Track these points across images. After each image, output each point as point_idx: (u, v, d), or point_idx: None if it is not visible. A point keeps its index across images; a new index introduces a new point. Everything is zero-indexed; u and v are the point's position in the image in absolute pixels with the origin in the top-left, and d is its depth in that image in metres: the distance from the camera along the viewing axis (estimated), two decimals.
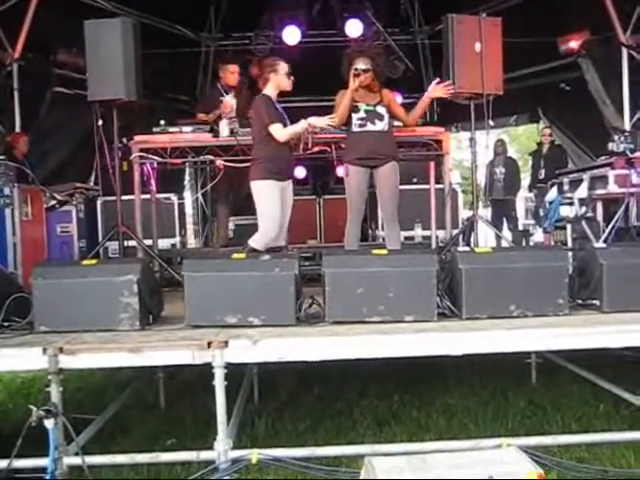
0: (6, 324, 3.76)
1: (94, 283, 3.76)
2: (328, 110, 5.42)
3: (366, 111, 5.30)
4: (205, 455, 3.32)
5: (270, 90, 5.26)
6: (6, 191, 6.20)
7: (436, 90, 5.61)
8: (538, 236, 9.07)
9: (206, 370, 3.31)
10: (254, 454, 3.24)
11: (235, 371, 3.48)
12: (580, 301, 4.07)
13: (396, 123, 5.65)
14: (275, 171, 5.17)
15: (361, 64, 5.27)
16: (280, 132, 5.13)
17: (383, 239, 6.06)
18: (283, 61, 5.33)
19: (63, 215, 7.59)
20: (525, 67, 9.78)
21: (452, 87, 5.69)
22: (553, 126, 10.74)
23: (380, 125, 5.31)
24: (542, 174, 9.82)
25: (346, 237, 5.37)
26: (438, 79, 5.73)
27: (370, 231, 8.73)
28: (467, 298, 3.77)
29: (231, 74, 6.83)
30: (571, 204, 6.50)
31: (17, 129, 7.98)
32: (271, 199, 5.14)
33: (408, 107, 5.79)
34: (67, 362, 3.31)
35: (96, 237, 8.06)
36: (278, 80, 5.26)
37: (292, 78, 5.26)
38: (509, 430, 4.17)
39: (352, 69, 5.24)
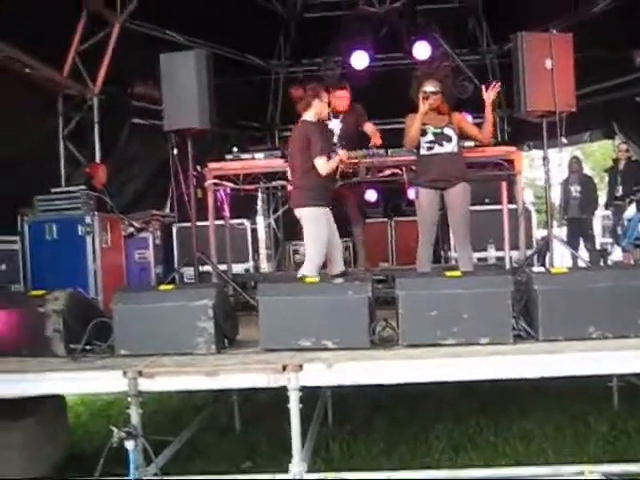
0: (88, 348, 3.90)
1: (171, 308, 3.86)
2: (397, 133, 5.44)
3: (434, 134, 5.29)
4: (281, 477, 3.34)
5: (311, 116, 5.33)
6: (87, 219, 6.46)
7: (489, 95, 5.50)
8: (617, 255, 8.80)
9: (280, 393, 3.34)
10: (329, 477, 3.24)
11: (309, 394, 3.49)
12: None
13: (466, 144, 5.62)
14: (321, 198, 5.23)
15: (430, 87, 5.27)
16: (323, 166, 5.18)
17: (455, 260, 6.01)
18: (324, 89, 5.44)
19: (140, 242, 7.81)
20: (598, 82, 9.54)
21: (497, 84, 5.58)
22: (629, 141, 10.42)
23: (449, 147, 5.29)
24: (619, 191, 9.54)
25: (418, 259, 5.35)
26: (483, 86, 5.62)
27: (442, 252, 8.65)
28: (543, 320, 3.69)
29: (339, 99, 6.68)
30: None
31: (97, 160, 8.30)
32: (321, 225, 5.19)
33: (477, 128, 5.74)
34: (146, 385, 3.40)
35: (172, 263, 8.26)
36: (321, 107, 5.35)
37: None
38: (590, 456, 4.02)
39: (421, 92, 5.25)
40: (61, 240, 6.49)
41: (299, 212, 5.30)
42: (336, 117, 6.69)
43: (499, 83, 5.60)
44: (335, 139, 6.65)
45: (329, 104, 6.64)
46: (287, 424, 3.33)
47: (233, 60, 10.33)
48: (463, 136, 5.47)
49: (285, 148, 5.71)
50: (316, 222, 5.23)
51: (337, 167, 5.47)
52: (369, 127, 6.59)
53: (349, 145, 6.34)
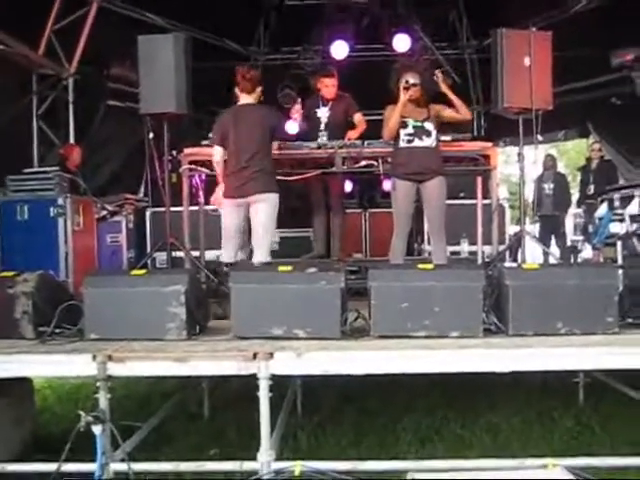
0: (57, 331, 3.86)
1: (143, 293, 3.84)
2: (375, 124, 5.44)
3: (414, 127, 5.31)
4: (248, 466, 3.34)
5: (254, 99, 5.39)
6: (59, 201, 6.38)
7: (441, 81, 5.52)
8: (587, 253, 8.91)
9: (250, 381, 3.34)
10: (297, 466, 3.25)
11: (279, 383, 3.50)
12: (631, 320, 3.98)
13: (443, 138, 5.65)
14: None
15: (411, 78, 5.28)
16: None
17: (429, 253, 6.04)
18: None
19: (113, 225, 7.75)
20: (575, 81, 9.63)
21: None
22: (603, 141, 10.55)
23: (428, 141, 5.31)
24: (591, 190, 9.64)
25: (392, 251, 5.38)
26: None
27: (416, 245, 8.69)
28: (514, 314, 3.73)
29: (326, 87, 6.69)
30: (622, 220, 6.37)
31: (71, 141, 8.19)
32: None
33: (455, 123, 5.77)
34: (115, 370, 3.38)
35: (144, 247, 8.20)
36: (260, 95, 5.45)
37: None
38: (555, 450, 4.08)
39: (402, 82, 5.25)
40: (32, 221, 6.41)
41: (265, 196, 5.25)
42: (325, 105, 6.68)
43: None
44: (322, 127, 6.64)
45: (318, 90, 6.68)
46: (256, 412, 3.33)
47: (212, 45, 10.23)
48: (448, 125, 5.49)
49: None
50: (276, 207, 5.29)
51: None
52: (356, 118, 6.60)
53: (335, 134, 6.34)
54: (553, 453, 3.88)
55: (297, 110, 6.66)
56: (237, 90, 5.41)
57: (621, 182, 9.10)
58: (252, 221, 5.35)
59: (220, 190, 5.40)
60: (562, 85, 8.43)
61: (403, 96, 5.24)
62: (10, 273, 4.09)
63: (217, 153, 5.35)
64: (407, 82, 5.25)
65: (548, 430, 4.53)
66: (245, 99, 5.40)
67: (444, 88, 5.48)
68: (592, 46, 8.79)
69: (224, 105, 11.26)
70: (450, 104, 5.48)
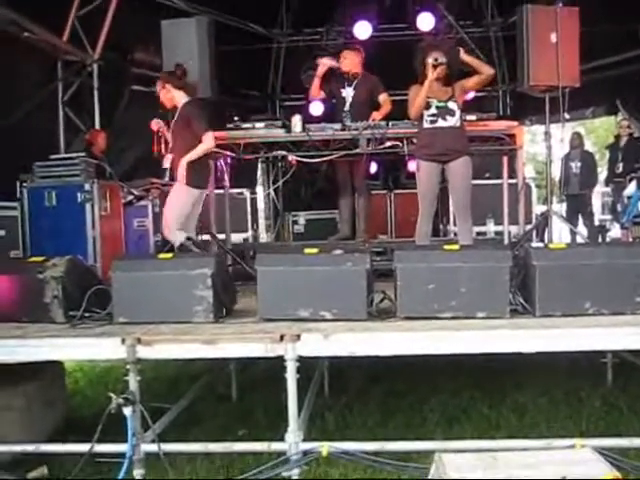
0: (87, 315, 3.91)
1: (170, 276, 3.86)
2: (399, 104, 5.41)
3: (437, 107, 5.26)
4: (276, 446, 3.37)
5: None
6: (86, 187, 6.43)
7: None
8: (615, 232, 8.81)
9: (278, 363, 3.36)
10: (324, 447, 3.27)
11: (306, 364, 3.52)
12: None
13: (468, 117, 5.60)
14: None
15: (438, 56, 5.22)
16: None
17: (455, 234, 6.01)
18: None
19: (140, 210, 7.79)
20: (603, 57, 9.45)
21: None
22: (632, 118, 10.37)
23: (452, 121, 5.26)
24: (620, 168, 9.50)
25: (417, 232, 5.36)
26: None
27: (441, 226, 8.66)
28: (540, 295, 3.69)
29: (344, 59, 6.67)
30: None
31: (96, 126, 8.25)
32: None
33: (479, 100, 5.71)
34: (144, 352, 3.41)
35: None
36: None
37: None
38: (582, 431, 4.08)
39: (432, 60, 5.19)
40: (60, 207, 6.47)
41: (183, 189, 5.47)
42: (350, 85, 6.65)
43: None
44: (346, 107, 6.62)
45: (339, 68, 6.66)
46: (284, 394, 3.36)
47: (235, 28, 10.22)
48: (472, 104, 5.44)
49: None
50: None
51: None
52: (382, 98, 6.56)
53: (359, 115, 6.32)
54: (581, 433, 3.88)
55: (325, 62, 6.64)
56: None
57: None
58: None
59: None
60: (589, 62, 8.27)
61: (431, 74, 5.18)
62: (39, 258, 4.14)
63: (212, 138, 5.45)
64: (436, 60, 5.18)
65: (576, 410, 4.51)
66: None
67: (463, 55, 5.40)
68: (620, 21, 8.61)
69: (250, 88, 11.34)
70: (472, 73, 5.40)
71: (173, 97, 5.53)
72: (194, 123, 5.37)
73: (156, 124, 5.77)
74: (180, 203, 5.51)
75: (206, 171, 5.67)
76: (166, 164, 5.92)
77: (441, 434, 4.10)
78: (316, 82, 6.67)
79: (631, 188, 6.93)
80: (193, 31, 5.83)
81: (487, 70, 5.44)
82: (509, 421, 4.37)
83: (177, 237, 5.45)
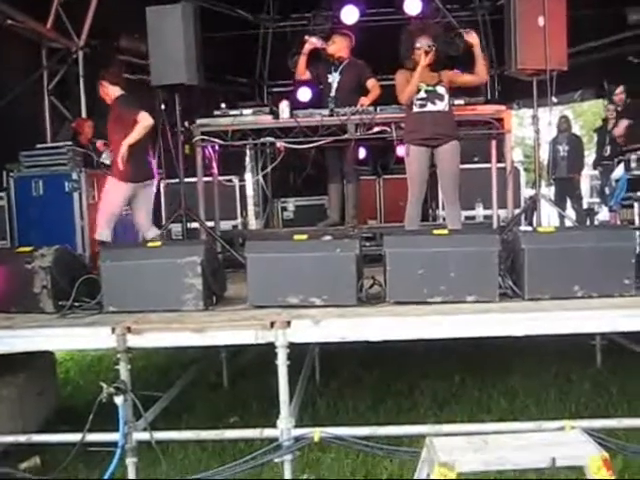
0: (77, 304, 3.90)
1: (159, 264, 3.85)
2: (387, 89, 5.39)
3: (426, 91, 5.24)
4: (268, 433, 3.38)
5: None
6: (74, 176, 6.42)
7: (473, 36, 5.43)
8: (603, 215, 8.85)
9: (269, 350, 3.37)
10: (316, 432, 3.29)
11: (297, 351, 3.53)
12: None
13: (456, 102, 5.59)
14: None
15: (428, 41, 5.19)
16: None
17: (444, 219, 6.01)
18: None
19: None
20: (591, 40, 9.46)
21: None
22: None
23: (440, 105, 5.25)
24: (607, 151, 9.53)
25: (407, 217, 5.35)
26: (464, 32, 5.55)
27: (431, 211, 8.66)
28: (529, 279, 3.71)
29: (333, 44, 6.65)
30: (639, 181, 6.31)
31: (83, 115, 8.19)
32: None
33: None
34: (134, 341, 3.41)
35: (160, 219, 8.22)
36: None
37: None
38: (572, 412, 4.12)
39: (423, 45, 5.16)
40: (48, 196, 6.45)
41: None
42: (336, 70, 6.62)
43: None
44: (332, 93, 6.59)
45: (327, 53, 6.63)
46: (275, 380, 3.36)
47: (222, 14, 10.15)
48: (460, 89, 5.43)
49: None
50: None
51: None
52: (370, 84, 6.52)
53: (345, 100, 6.29)
54: (570, 415, 3.92)
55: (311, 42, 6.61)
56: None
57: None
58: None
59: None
60: (577, 45, 8.30)
61: (423, 59, 5.15)
62: (27, 248, 4.11)
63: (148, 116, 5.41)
64: (429, 46, 5.16)
65: (565, 392, 4.56)
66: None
67: (474, 43, 5.37)
68: (607, 4, 8.61)
69: (237, 74, 11.27)
70: (468, 65, 5.38)
71: (109, 93, 5.55)
72: (124, 113, 5.38)
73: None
74: (108, 199, 5.54)
75: (141, 163, 5.55)
76: (106, 160, 5.91)
77: (432, 418, 4.13)
78: (302, 60, 6.63)
79: (619, 171, 6.94)
80: (178, 18, 5.77)
81: (482, 76, 5.45)
82: (499, 404, 4.40)
83: (102, 235, 5.46)
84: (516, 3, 5.67)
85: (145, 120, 5.32)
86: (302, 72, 6.70)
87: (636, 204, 6.22)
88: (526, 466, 2.53)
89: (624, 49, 9.38)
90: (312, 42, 6.56)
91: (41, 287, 3.90)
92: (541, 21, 5.62)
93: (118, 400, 3.30)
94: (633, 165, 6.44)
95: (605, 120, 10.08)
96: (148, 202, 5.74)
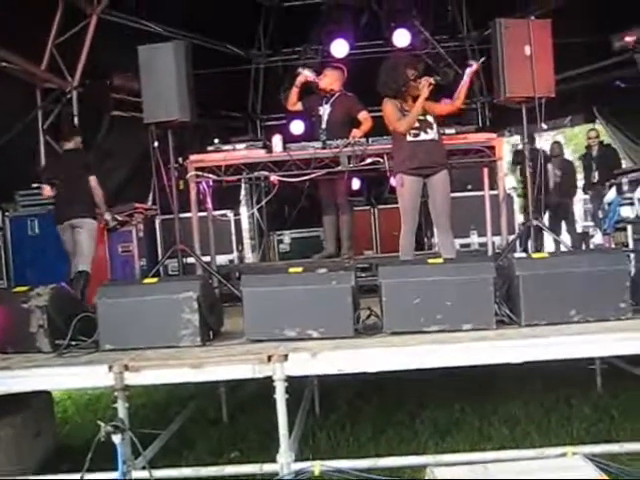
0: (74, 343, 3.89)
1: (155, 301, 3.86)
2: (377, 121, 5.46)
3: (419, 120, 5.30)
4: (268, 468, 3.36)
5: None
6: None
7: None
8: (598, 238, 8.89)
9: (267, 383, 3.36)
10: (316, 466, 3.27)
11: (296, 384, 3.51)
12: None
13: (447, 131, 5.65)
14: None
15: (410, 73, 5.28)
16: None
17: (439, 247, 6.03)
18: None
19: (123, 235, 7.79)
20: (578, 67, 9.58)
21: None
22: (609, 125, 10.51)
23: (431, 134, 5.31)
24: (595, 177, 9.66)
25: (401, 247, 5.37)
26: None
27: (425, 239, 8.69)
28: (525, 305, 3.73)
29: (324, 77, 6.75)
30: (631, 204, 6.36)
31: None
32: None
33: (459, 115, 5.78)
34: (132, 379, 3.41)
35: (156, 255, 8.23)
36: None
37: None
38: (574, 438, 4.08)
39: (428, 79, 5.23)
40: (43, 235, 6.47)
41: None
42: (327, 102, 6.69)
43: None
44: (323, 125, 6.65)
45: (318, 87, 6.72)
46: (274, 414, 3.35)
47: (213, 50, 10.26)
48: (450, 117, 5.51)
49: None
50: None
51: None
52: (361, 116, 6.60)
53: (336, 133, 6.35)
54: (572, 441, 3.89)
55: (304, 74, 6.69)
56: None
57: (627, 165, 9.07)
58: None
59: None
60: (564, 72, 8.40)
61: (426, 91, 5.22)
62: (23, 288, 4.12)
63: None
64: (435, 80, 5.25)
65: (567, 418, 4.52)
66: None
67: (470, 72, 5.50)
68: (592, 31, 8.75)
69: (230, 109, 11.36)
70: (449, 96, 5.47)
71: None
72: None
73: None
74: None
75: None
76: None
77: (433, 448, 4.10)
78: (294, 92, 6.71)
79: (611, 194, 7.00)
80: (170, 56, 5.84)
81: (460, 100, 5.56)
82: (500, 432, 4.37)
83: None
84: (502, 33, 5.77)
85: None
86: (293, 103, 6.78)
87: (629, 227, 6.26)
88: None
89: (611, 74, 9.50)
90: (305, 75, 6.63)
91: (37, 326, 3.90)
92: (527, 50, 5.71)
93: (116, 439, 3.28)
94: (625, 188, 6.50)
95: (588, 147, 10.23)
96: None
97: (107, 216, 6.55)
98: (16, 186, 6.71)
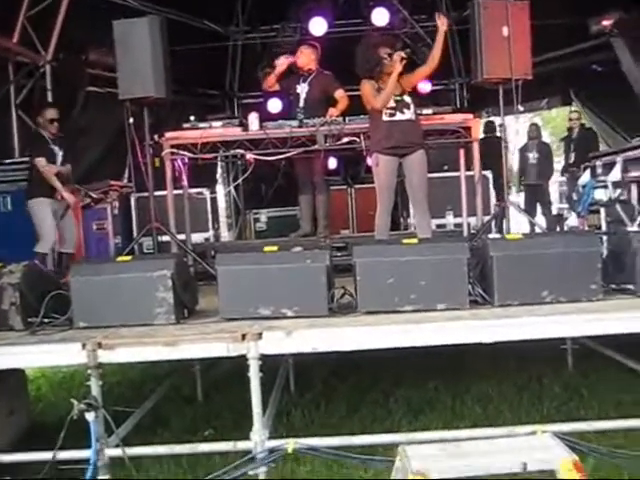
0: (46, 321, 3.86)
1: (129, 279, 3.83)
2: (355, 100, 5.46)
3: (395, 100, 5.30)
4: (242, 445, 3.36)
5: None
6: None
7: (443, 22, 5.47)
8: (572, 220, 8.98)
9: (242, 362, 3.36)
10: (290, 443, 3.28)
11: (271, 362, 3.52)
12: (614, 286, 4.02)
13: (424, 111, 5.66)
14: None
15: (400, 51, 5.27)
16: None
17: (414, 227, 6.06)
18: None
19: (98, 212, 7.73)
20: (555, 49, 9.62)
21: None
22: (585, 108, 10.59)
23: (408, 114, 5.31)
24: (572, 158, 9.72)
25: (377, 226, 5.39)
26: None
27: (402, 220, 8.72)
28: (499, 285, 3.75)
29: (301, 54, 6.74)
30: (605, 187, 6.42)
31: None
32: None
33: (436, 93, 5.77)
34: (105, 356, 3.38)
35: (131, 233, 8.18)
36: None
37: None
38: (545, 416, 4.15)
39: (400, 54, 5.21)
40: (16, 211, 6.40)
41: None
42: (304, 81, 6.67)
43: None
44: (301, 103, 6.62)
45: (296, 65, 6.69)
46: (249, 392, 3.35)
47: (190, 26, 10.14)
48: (428, 97, 5.50)
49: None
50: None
51: None
52: (338, 94, 6.58)
53: (314, 111, 6.33)
54: (543, 419, 3.96)
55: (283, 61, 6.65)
56: None
57: (603, 149, 9.15)
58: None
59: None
60: (542, 54, 8.42)
61: (399, 66, 5.20)
62: None
63: None
64: (406, 53, 5.24)
65: (538, 397, 4.59)
66: None
67: (442, 28, 5.36)
68: (570, 14, 8.78)
69: (207, 86, 11.27)
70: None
71: None
72: None
73: None
74: None
75: None
76: None
77: (406, 426, 4.14)
78: (273, 77, 6.68)
79: (585, 177, 7.07)
80: (145, 31, 5.77)
81: (436, 60, 5.41)
82: (473, 410, 4.43)
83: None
84: (480, 14, 5.78)
85: None
86: (272, 85, 6.74)
87: (602, 209, 6.33)
88: (498, 471, 2.54)
89: (589, 58, 9.56)
90: (283, 63, 6.60)
91: (10, 304, 3.86)
92: (505, 31, 5.72)
93: (89, 416, 3.26)
94: (599, 171, 6.56)
95: (570, 129, 10.28)
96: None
97: (65, 194, 6.37)
98: None
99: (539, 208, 10.17)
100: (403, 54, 5.23)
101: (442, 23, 5.35)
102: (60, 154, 6.44)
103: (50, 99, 8.14)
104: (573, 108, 10.85)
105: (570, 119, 10.24)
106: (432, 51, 5.43)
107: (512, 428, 3.37)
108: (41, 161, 6.24)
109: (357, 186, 9.38)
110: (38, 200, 6.22)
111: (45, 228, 6.22)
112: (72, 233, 6.61)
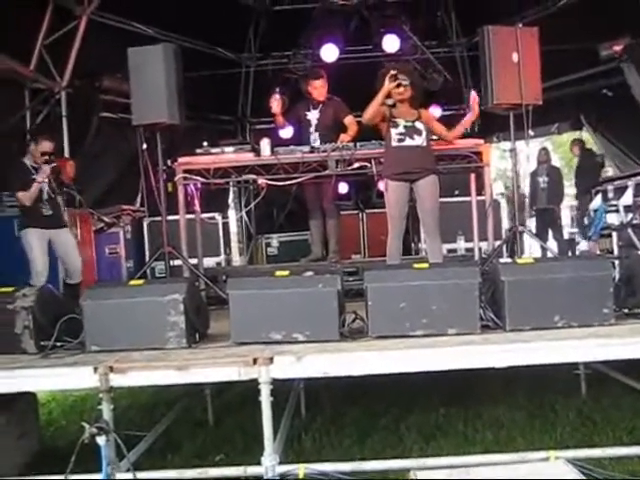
0: (59, 344, 3.88)
1: (142, 303, 3.85)
2: (366, 125, 5.51)
3: (405, 127, 5.33)
4: (252, 470, 3.36)
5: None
6: None
7: (476, 103, 5.62)
8: (584, 245, 8.96)
9: (253, 386, 3.36)
10: (301, 469, 3.27)
11: (282, 387, 3.52)
12: (627, 310, 4.01)
13: (434, 137, 5.69)
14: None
15: (401, 79, 5.31)
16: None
17: (426, 252, 6.06)
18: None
19: (111, 237, 7.78)
20: (565, 74, 9.66)
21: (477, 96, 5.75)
22: (596, 132, 10.61)
23: (419, 140, 5.34)
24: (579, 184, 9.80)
25: (388, 251, 5.40)
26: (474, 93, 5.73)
27: (413, 244, 8.72)
28: (510, 310, 3.75)
29: (315, 89, 6.84)
30: (616, 211, 6.41)
31: (65, 154, 8.21)
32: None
33: (447, 119, 5.81)
34: (117, 380, 3.40)
35: (143, 257, 8.23)
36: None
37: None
38: (557, 442, 4.10)
39: (390, 71, 5.28)
40: None
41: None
42: (315, 108, 6.77)
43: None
44: (312, 130, 6.70)
45: (309, 94, 6.78)
46: (260, 417, 3.35)
47: (203, 53, 10.28)
48: (430, 132, 5.54)
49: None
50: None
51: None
52: (347, 120, 6.67)
53: (325, 137, 6.40)
54: (556, 445, 3.91)
55: (275, 99, 6.71)
56: None
57: (610, 173, 9.16)
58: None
59: None
60: (552, 79, 8.46)
61: (388, 82, 5.25)
62: (9, 289, 4.09)
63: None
64: (396, 77, 5.27)
65: (550, 423, 4.54)
66: None
67: (475, 112, 5.63)
68: (580, 39, 8.83)
69: (220, 112, 11.38)
70: (444, 99, 5.53)
71: None
72: None
73: None
74: None
75: None
76: None
77: (417, 452, 4.11)
78: (277, 117, 6.78)
79: (597, 201, 7.07)
80: (160, 58, 5.85)
81: (455, 135, 5.69)
82: (485, 436, 4.38)
83: None
84: (490, 40, 5.81)
85: None
86: (282, 124, 6.90)
87: (614, 233, 6.31)
88: None
89: (599, 83, 9.59)
90: (277, 105, 6.70)
91: (23, 327, 3.89)
92: (515, 57, 5.75)
93: (100, 440, 3.27)
94: (610, 195, 6.56)
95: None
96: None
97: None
98: (3, 187, 6.67)
99: (550, 232, 10.15)
100: (393, 71, 5.28)
101: (475, 101, 5.48)
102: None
103: (65, 125, 8.25)
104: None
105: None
106: (458, 126, 5.58)
107: (524, 454, 3.35)
108: (21, 195, 6.10)
109: (368, 211, 9.41)
110: (26, 231, 6.09)
111: (32, 259, 6.04)
112: (76, 265, 6.35)
